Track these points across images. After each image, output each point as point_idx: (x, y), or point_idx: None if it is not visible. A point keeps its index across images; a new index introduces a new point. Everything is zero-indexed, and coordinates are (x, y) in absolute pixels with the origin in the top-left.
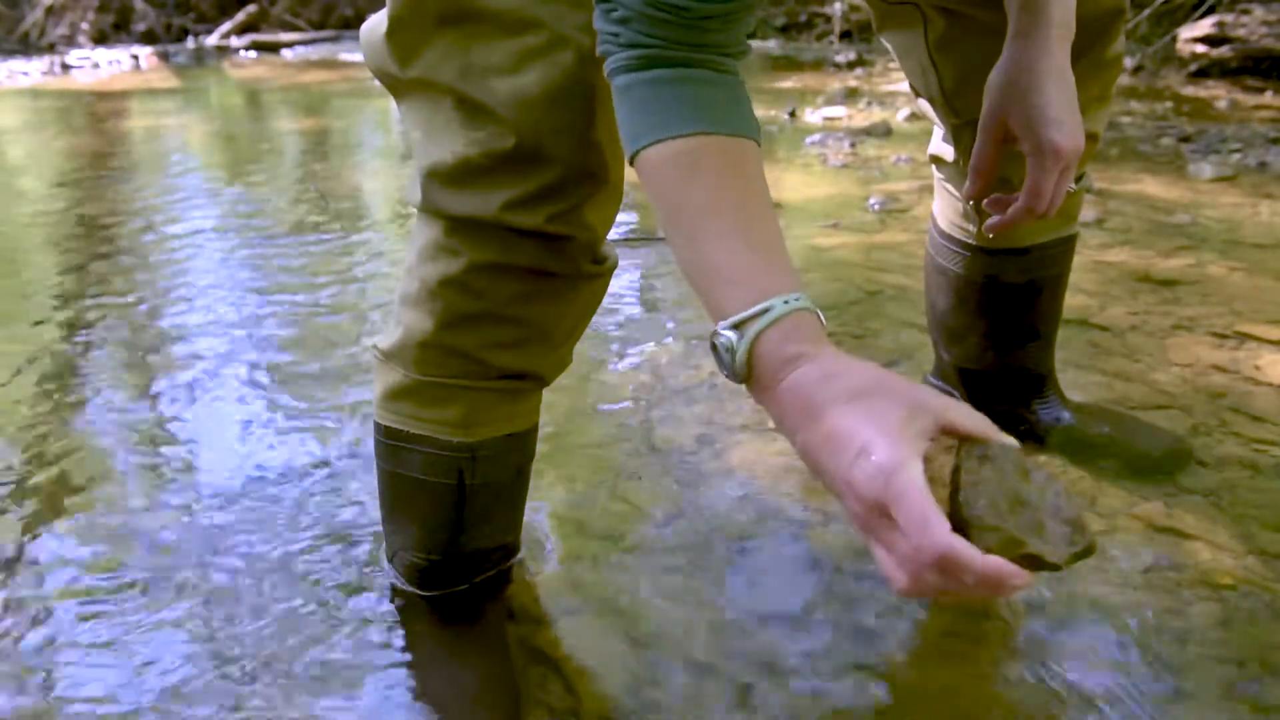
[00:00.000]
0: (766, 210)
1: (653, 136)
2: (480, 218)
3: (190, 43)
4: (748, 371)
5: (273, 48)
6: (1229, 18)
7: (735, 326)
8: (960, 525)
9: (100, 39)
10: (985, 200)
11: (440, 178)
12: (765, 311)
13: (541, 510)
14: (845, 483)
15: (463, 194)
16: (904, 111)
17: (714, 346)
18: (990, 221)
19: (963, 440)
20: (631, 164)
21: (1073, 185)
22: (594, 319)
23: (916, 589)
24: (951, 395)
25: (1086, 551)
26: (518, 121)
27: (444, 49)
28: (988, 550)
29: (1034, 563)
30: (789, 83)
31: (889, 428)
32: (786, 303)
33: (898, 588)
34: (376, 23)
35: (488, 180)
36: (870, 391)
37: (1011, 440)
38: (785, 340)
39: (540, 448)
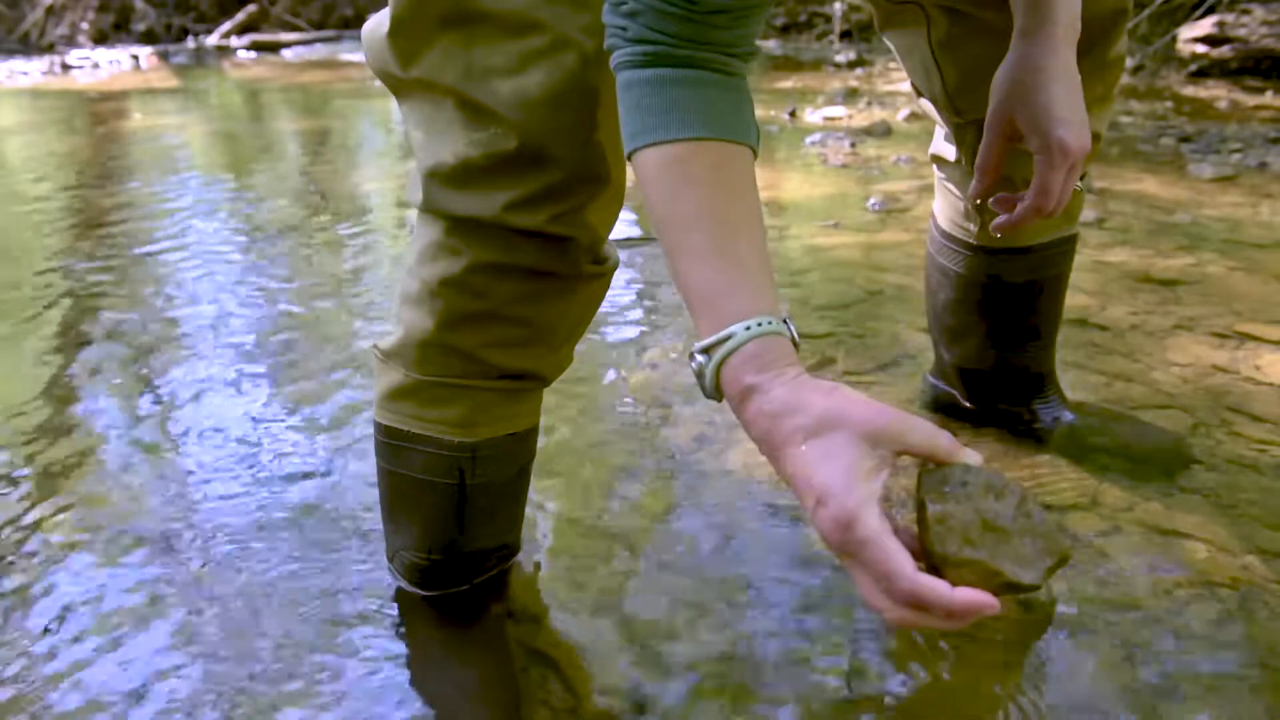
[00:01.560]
0: (748, 223)
1: (647, 139)
2: (482, 218)
3: (190, 43)
4: (719, 395)
5: (273, 48)
6: (1229, 18)
7: (705, 351)
8: (935, 563)
9: (100, 39)
10: (991, 200)
11: (442, 178)
12: (727, 339)
13: (542, 510)
14: (813, 523)
15: (464, 194)
16: (904, 111)
17: (692, 369)
18: (997, 221)
19: (923, 470)
20: (629, 161)
21: (1077, 184)
22: (594, 319)
23: (901, 623)
24: (952, 395)
25: (1061, 563)
26: (520, 123)
27: (446, 50)
28: (966, 585)
29: (1013, 588)
30: (789, 83)
31: (840, 474)
32: (748, 329)
33: (886, 619)
34: (378, 23)
35: (489, 181)
36: (823, 428)
37: (975, 457)
38: (743, 370)
39: (541, 448)
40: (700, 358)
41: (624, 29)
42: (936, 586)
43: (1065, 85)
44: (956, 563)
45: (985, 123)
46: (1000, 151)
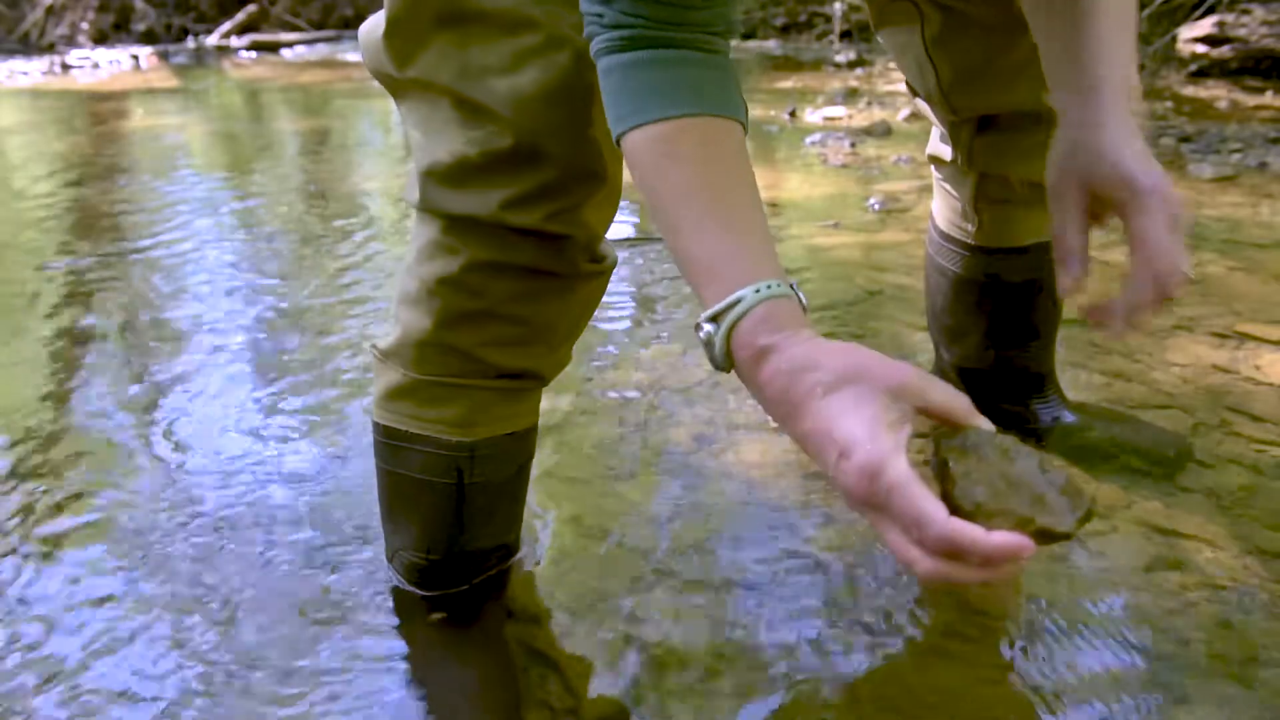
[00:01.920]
0: (744, 193)
1: (634, 121)
2: (478, 216)
3: (190, 43)
4: (729, 363)
5: (273, 48)
6: (1229, 18)
7: (713, 319)
8: (964, 517)
9: (100, 39)
10: (1092, 312)
11: (438, 177)
12: (737, 303)
13: (541, 510)
14: (835, 481)
15: (461, 193)
16: (904, 111)
17: (700, 339)
18: (1114, 327)
19: (939, 434)
20: (618, 145)
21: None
22: (593, 318)
23: (933, 575)
24: None
25: (1089, 515)
26: (515, 121)
27: (441, 50)
28: None
29: (1046, 536)
30: (789, 83)
31: (865, 424)
32: (758, 291)
33: (917, 572)
34: (374, 24)
35: (486, 179)
36: (845, 382)
37: (988, 424)
38: (756, 331)
39: (540, 447)
40: (708, 326)
41: (600, 15)
42: (971, 530)
43: (1128, 136)
44: (988, 513)
45: (1051, 202)
46: (1081, 228)
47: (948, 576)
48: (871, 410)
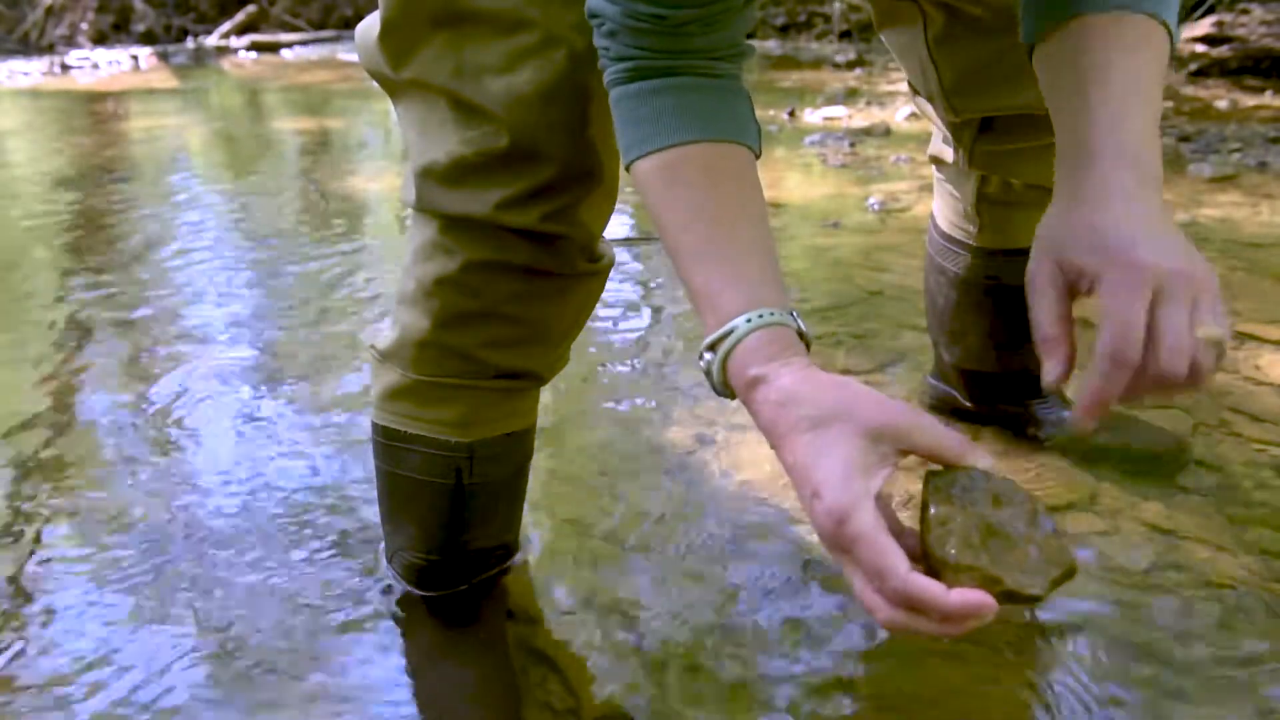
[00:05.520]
0: (745, 219)
1: (639, 150)
2: (474, 216)
3: (190, 43)
4: (729, 391)
5: (273, 48)
6: (1229, 17)
7: (711, 347)
8: (935, 566)
9: (100, 39)
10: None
11: (435, 177)
12: (731, 332)
13: (541, 510)
14: (809, 517)
15: (457, 193)
16: (904, 111)
17: (700, 367)
18: (1074, 419)
19: (931, 473)
20: (628, 172)
21: (1215, 331)
22: (592, 318)
23: (893, 625)
24: (952, 396)
25: (1067, 575)
26: (511, 120)
27: (437, 50)
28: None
29: (1013, 597)
30: (789, 82)
31: (839, 467)
32: (749, 321)
33: (878, 620)
34: (370, 25)
35: (482, 179)
36: (827, 420)
37: (983, 460)
38: (748, 361)
39: (540, 447)
40: (707, 355)
41: (607, 49)
42: (930, 587)
43: (1121, 209)
44: (955, 567)
45: (1026, 287)
46: (1058, 315)
47: (907, 628)
48: (848, 452)
